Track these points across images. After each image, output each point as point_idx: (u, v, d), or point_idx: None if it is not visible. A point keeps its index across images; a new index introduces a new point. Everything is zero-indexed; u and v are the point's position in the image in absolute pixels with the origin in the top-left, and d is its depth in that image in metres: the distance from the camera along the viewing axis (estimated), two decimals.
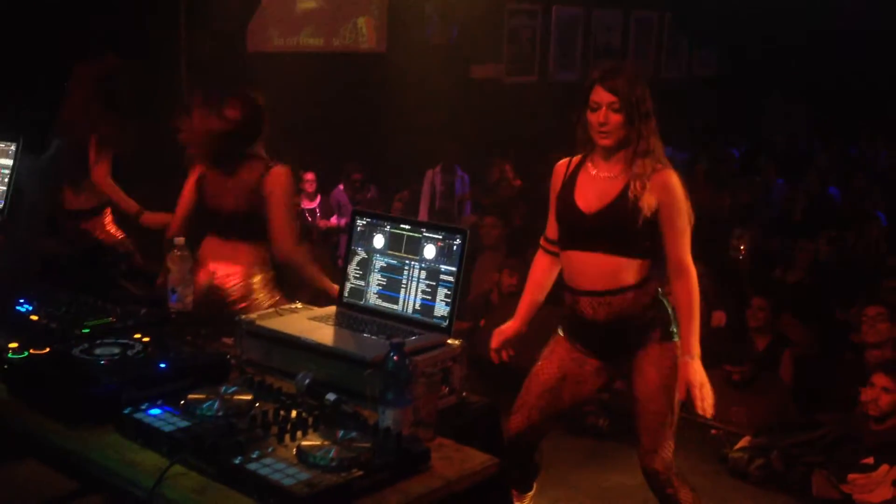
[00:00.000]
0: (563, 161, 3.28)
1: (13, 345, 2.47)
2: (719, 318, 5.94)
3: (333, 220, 7.91)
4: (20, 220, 2.65)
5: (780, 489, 4.49)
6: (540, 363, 3.33)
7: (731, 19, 10.94)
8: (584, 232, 3.12)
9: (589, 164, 3.18)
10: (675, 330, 3.15)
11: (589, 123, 3.09)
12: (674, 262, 3.10)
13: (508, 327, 3.35)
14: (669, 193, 3.07)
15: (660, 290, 3.16)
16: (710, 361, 5.24)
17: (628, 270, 3.09)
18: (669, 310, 3.16)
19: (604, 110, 3.04)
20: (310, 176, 7.75)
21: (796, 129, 11.73)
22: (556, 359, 3.29)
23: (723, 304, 5.99)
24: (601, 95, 3.04)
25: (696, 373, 3.05)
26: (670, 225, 3.08)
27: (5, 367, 2.43)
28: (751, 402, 5.05)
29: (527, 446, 3.37)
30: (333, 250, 7.34)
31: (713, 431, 4.99)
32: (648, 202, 3.04)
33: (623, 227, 3.06)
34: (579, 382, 3.27)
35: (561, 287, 3.30)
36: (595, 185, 3.13)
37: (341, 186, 8.18)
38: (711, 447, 4.83)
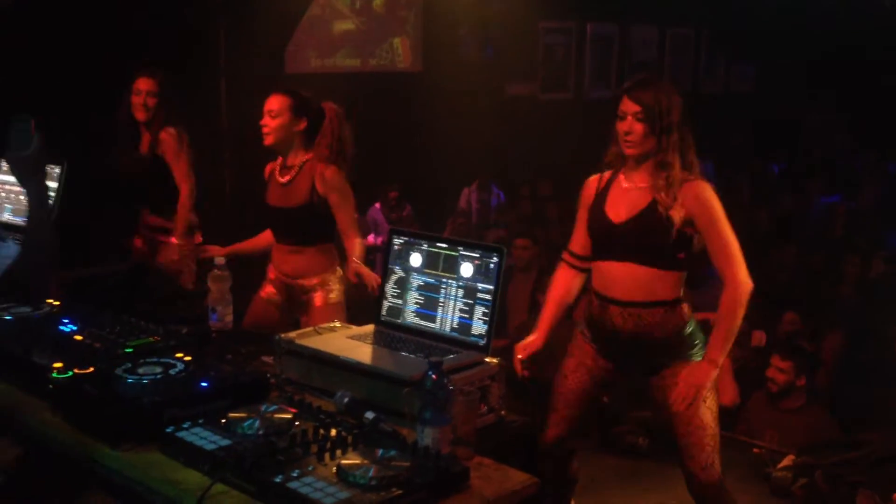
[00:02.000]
0: (595, 176, 3.31)
1: (58, 364, 2.50)
2: (759, 338, 5.86)
3: (370, 238, 7.95)
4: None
5: None
6: (565, 374, 3.36)
7: (769, 34, 10.85)
8: (614, 242, 3.14)
9: (621, 177, 3.21)
10: (694, 348, 3.15)
11: (616, 133, 3.13)
12: (720, 273, 3.08)
13: (533, 342, 3.33)
14: (700, 204, 3.06)
15: (692, 314, 3.15)
16: (751, 380, 5.20)
17: (661, 283, 3.09)
18: (699, 337, 3.15)
19: (629, 120, 3.08)
20: None
21: (836, 143, 11.60)
22: (583, 369, 3.32)
23: (763, 323, 5.92)
24: (627, 105, 3.09)
25: (703, 375, 3.03)
26: (707, 237, 3.07)
27: (50, 386, 2.46)
28: (785, 426, 4.96)
29: (565, 456, 3.41)
30: (370, 268, 7.36)
31: (755, 450, 4.92)
32: (679, 213, 3.05)
33: (653, 237, 3.06)
34: (605, 385, 3.34)
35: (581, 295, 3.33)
36: (625, 197, 3.16)
37: (377, 205, 8.23)
38: (753, 466, 4.76)
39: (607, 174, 3.26)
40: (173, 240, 4.78)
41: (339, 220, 3.84)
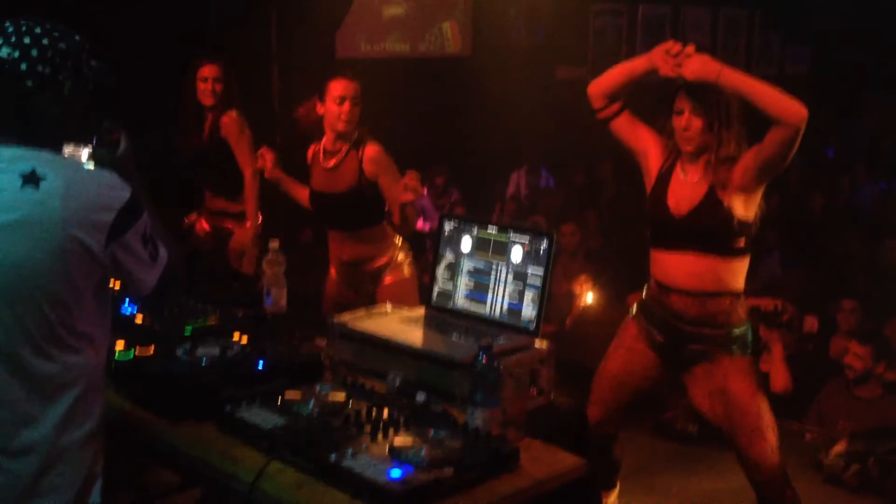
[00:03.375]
0: (665, 152, 3.28)
1: (119, 345, 2.58)
2: (811, 323, 5.80)
3: (419, 223, 7.99)
4: None
5: (876, 496, 4.37)
6: (608, 357, 3.41)
7: (825, 15, 10.64)
8: (674, 234, 3.14)
9: (679, 168, 3.20)
10: (748, 349, 3.15)
11: (673, 128, 3.14)
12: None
13: None
14: (744, 159, 3.05)
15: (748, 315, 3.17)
16: (803, 367, 5.12)
17: (725, 273, 3.09)
18: (747, 340, 3.15)
19: (686, 115, 3.08)
20: None
21: (894, 127, 11.35)
22: (623, 350, 3.35)
23: (817, 309, 5.86)
24: (684, 101, 3.09)
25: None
26: (759, 150, 3.02)
27: (112, 366, 2.53)
28: (860, 415, 4.84)
29: (606, 438, 3.43)
30: (420, 254, 7.41)
31: (808, 436, 4.89)
32: (738, 200, 3.04)
33: (713, 228, 3.07)
34: (643, 377, 3.34)
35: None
36: (684, 189, 3.16)
37: (425, 191, 8.25)
38: (806, 452, 4.73)
39: (669, 159, 3.26)
40: (248, 224, 4.86)
41: (389, 196, 3.83)
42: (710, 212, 3.06)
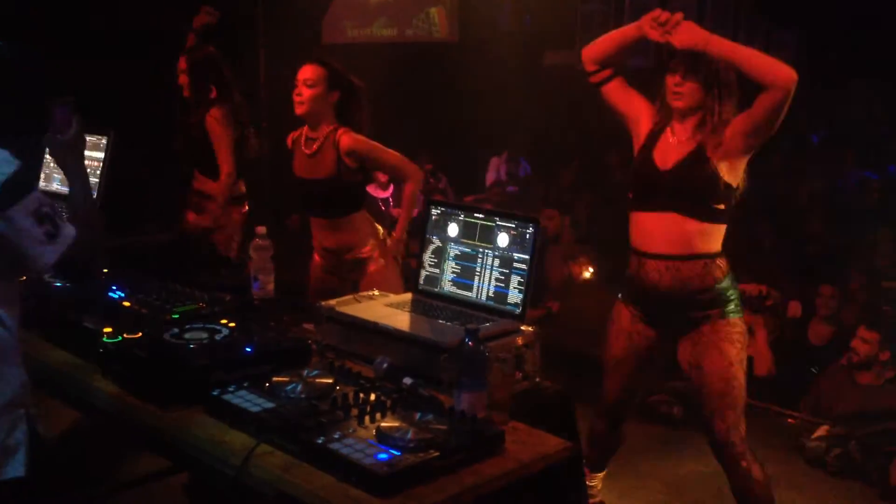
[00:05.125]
0: (655, 109, 3.31)
1: (107, 329, 2.58)
2: (795, 308, 5.85)
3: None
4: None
5: (857, 479, 4.43)
6: (610, 342, 3.44)
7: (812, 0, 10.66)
8: (658, 189, 3.16)
9: (668, 131, 3.22)
10: (740, 308, 3.17)
11: (665, 85, 3.15)
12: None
13: None
14: (734, 122, 3.08)
15: (729, 269, 3.18)
16: (786, 352, 5.17)
17: (701, 237, 3.11)
18: (735, 293, 3.17)
19: (681, 72, 3.10)
20: None
21: (879, 115, 11.40)
22: (622, 335, 3.39)
23: (799, 294, 5.91)
24: (680, 63, 3.11)
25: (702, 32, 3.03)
26: (750, 114, 3.05)
27: (100, 350, 2.54)
28: (862, 401, 4.85)
29: (623, 409, 3.53)
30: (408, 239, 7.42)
31: (790, 420, 4.94)
32: (724, 161, 3.08)
33: (697, 183, 3.09)
34: (647, 355, 3.38)
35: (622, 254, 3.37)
36: (671, 148, 3.18)
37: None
38: (788, 436, 4.78)
39: (660, 124, 3.27)
40: (212, 207, 4.86)
41: (388, 169, 3.86)
42: (696, 166, 3.08)
